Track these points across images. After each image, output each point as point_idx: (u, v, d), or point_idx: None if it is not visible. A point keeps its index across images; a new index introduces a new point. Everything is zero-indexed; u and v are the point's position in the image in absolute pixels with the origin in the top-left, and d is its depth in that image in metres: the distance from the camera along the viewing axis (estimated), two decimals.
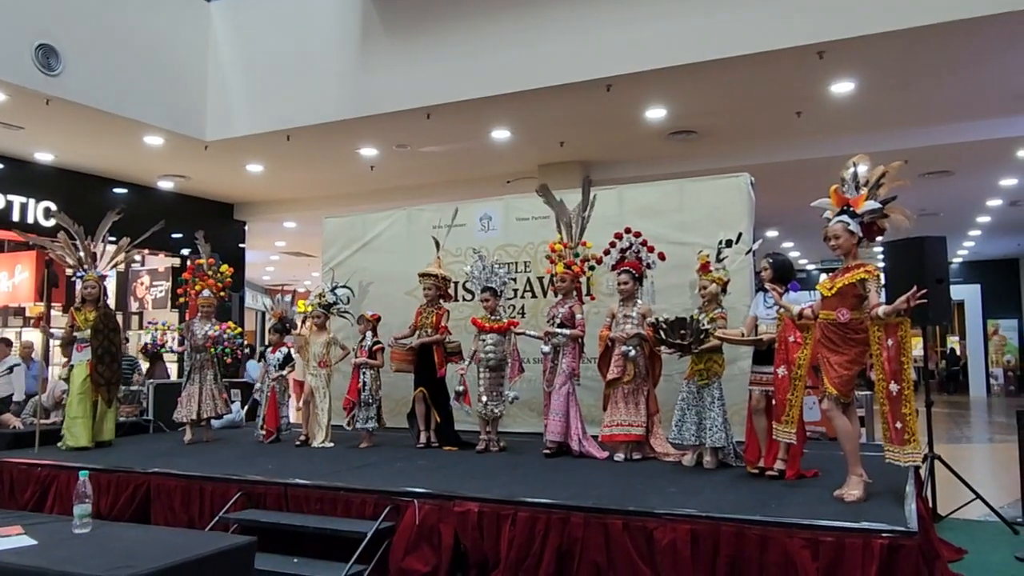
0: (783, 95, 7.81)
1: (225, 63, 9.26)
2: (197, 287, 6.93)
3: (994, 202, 12.86)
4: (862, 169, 4.07)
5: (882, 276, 4.07)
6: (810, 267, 20.50)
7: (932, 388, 22.58)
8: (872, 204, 3.98)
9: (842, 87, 7.54)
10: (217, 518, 4.69)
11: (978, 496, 5.71)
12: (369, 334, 6.44)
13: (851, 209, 4.04)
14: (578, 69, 7.35)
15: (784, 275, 4.87)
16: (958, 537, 5.17)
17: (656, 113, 8.35)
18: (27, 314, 11.71)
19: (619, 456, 5.51)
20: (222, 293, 7.08)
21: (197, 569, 2.56)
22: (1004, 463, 6.76)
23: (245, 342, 7.81)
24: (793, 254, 18.56)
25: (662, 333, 5.11)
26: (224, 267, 7.12)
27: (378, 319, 6.54)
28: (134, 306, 12.84)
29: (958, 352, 22.74)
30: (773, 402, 4.63)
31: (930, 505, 5.71)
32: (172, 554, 2.57)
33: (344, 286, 6.81)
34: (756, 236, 6.57)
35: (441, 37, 8.02)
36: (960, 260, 20.47)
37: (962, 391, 21.35)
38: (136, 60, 8.42)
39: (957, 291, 21.01)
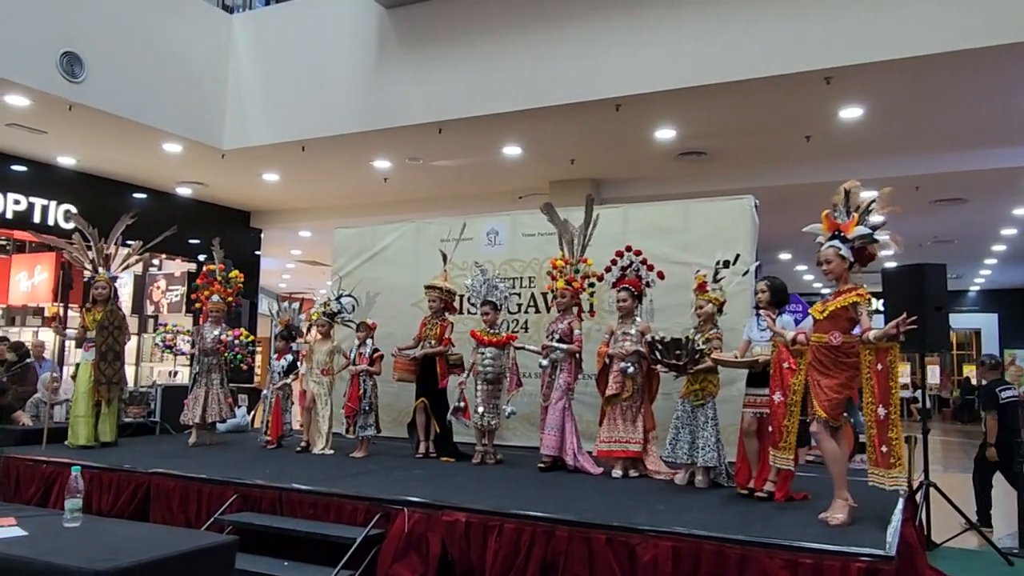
0: (792, 119, 7.86)
1: (244, 74, 9.45)
2: (206, 292, 7.06)
3: (1009, 231, 12.79)
4: (854, 195, 4.12)
5: (874, 300, 4.10)
6: (825, 291, 20.39)
7: (946, 417, 22.37)
8: (862, 230, 4.03)
9: (850, 112, 7.57)
10: (212, 519, 4.78)
11: (972, 525, 5.69)
12: (369, 341, 6.53)
13: (842, 234, 4.09)
14: (588, 88, 7.43)
15: (780, 299, 4.92)
16: (951, 566, 5.15)
17: (665, 134, 8.42)
18: (45, 314, 11.93)
19: (617, 472, 5.54)
20: (230, 299, 7.19)
21: (179, 565, 2.64)
22: (1009, 494, 6.74)
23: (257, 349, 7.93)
24: (807, 277, 18.51)
25: (657, 353, 5.16)
26: (234, 273, 7.23)
27: (375, 327, 6.63)
28: (150, 310, 13.03)
29: (973, 381, 22.46)
30: (769, 428, 4.63)
31: (924, 532, 5.69)
32: (155, 549, 2.65)
33: (349, 295, 6.90)
34: (767, 259, 6.61)
35: (455, 53, 8.15)
36: (977, 289, 20.31)
37: (976, 420, 21.05)
38: (157, 69, 8.62)
39: (974, 320, 20.85)
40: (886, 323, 4.00)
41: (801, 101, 7.34)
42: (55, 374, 7.30)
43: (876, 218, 4.11)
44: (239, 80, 9.45)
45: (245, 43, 9.48)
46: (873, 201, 4.05)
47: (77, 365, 6.65)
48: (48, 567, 2.45)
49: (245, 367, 7.27)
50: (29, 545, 2.70)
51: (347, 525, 4.50)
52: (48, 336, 11.30)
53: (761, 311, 4.80)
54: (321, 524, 4.57)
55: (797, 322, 5.21)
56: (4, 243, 12.05)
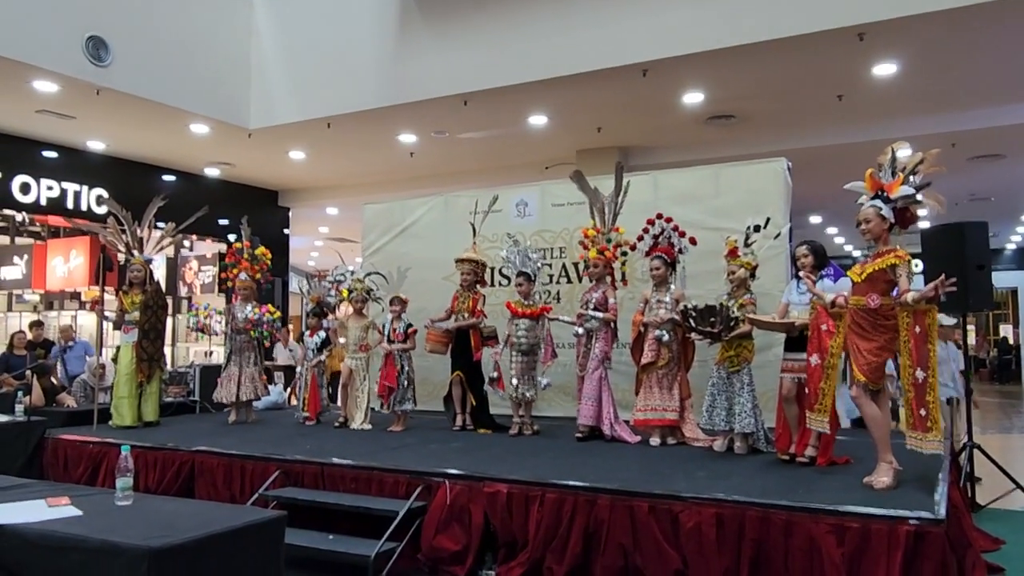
0: (823, 78, 7.68)
1: (267, 52, 9.44)
2: (234, 271, 7.11)
3: None
4: (901, 155, 4.02)
5: (912, 262, 4.01)
6: (856, 253, 20.10)
7: (983, 377, 22.05)
8: (906, 189, 3.93)
9: (884, 69, 7.38)
10: (257, 495, 4.86)
11: (1018, 485, 5.61)
12: (404, 316, 6.54)
13: (885, 194, 4.00)
14: (614, 54, 7.32)
15: (821, 261, 4.85)
16: (997, 527, 5.10)
17: (693, 98, 8.28)
18: (83, 298, 12.12)
19: (655, 440, 5.54)
20: (258, 276, 7.21)
21: (230, 539, 2.68)
22: None
23: (282, 326, 7.93)
24: (838, 240, 18.23)
25: (692, 321, 5.12)
26: (260, 250, 7.25)
27: (408, 301, 6.64)
28: (183, 291, 13.17)
29: (1011, 340, 22.11)
30: (805, 390, 4.60)
31: (968, 494, 5.63)
32: (207, 525, 2.70)
33: (377, 272, 6.93)
34: (797, 223, 6.49)
35: (477, 24, 8.06)
36: (1014, 247, 19.85)
37: (1014, 380, 20.76)
38: (182, 51, 8.63)
39: (1011, 278, 20.38)
40: (925, 284, 3.93)
41: (833, 59, 7.17)
42: (101, 361, 7.39)
43: (918, 179, 4.02)
44: (263, 59, 9.44)
45: (267, 21, 9.46)
46: (920, 161, 3.94)
47: (118, 348, 6.75)
48: (104, 544, 2.50)
49: (268, 343, 7.29)
50: (84, 524, 2.75)
51: (389, 498, 4.56)
52: (86, 320, 11.51)
53: (802, 274, 4.73)
54: (364, 497, 4.63)
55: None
56: (39, 229, 12.23)
